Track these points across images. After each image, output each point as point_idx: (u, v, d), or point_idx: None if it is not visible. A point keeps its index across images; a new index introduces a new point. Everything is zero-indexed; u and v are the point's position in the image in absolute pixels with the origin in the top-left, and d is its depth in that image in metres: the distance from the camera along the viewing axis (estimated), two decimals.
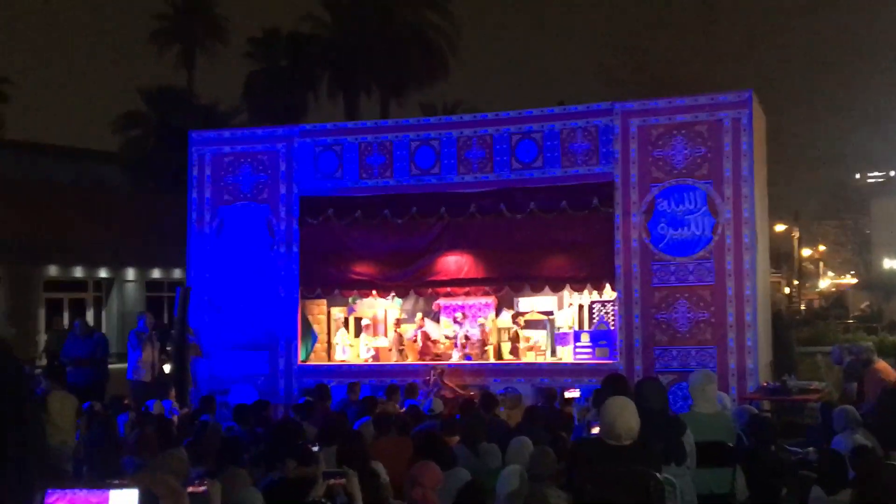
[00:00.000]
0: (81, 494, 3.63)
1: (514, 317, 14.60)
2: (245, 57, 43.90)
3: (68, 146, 39.55)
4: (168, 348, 13.81)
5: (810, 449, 8.27)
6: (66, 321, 29.98)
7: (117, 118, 40.93)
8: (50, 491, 3.63)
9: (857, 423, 8.09)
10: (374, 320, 15.26)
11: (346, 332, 14.97)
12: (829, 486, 6.39)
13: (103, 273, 32.24)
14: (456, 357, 14.16)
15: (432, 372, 13.33)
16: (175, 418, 10.86)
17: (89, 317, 30.45)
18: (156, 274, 33.90)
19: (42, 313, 29.97)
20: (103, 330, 28.60)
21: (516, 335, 14.38)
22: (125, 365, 14.48)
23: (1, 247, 26.72)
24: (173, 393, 12.10)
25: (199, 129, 16.64)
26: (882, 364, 11.45)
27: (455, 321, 14.62)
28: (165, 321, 29.92)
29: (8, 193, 28.37)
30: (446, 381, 13.15)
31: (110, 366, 14.92)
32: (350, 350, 14.79)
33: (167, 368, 14.35)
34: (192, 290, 14.39)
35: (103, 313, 32.44)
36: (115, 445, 8.41)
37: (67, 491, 3.62)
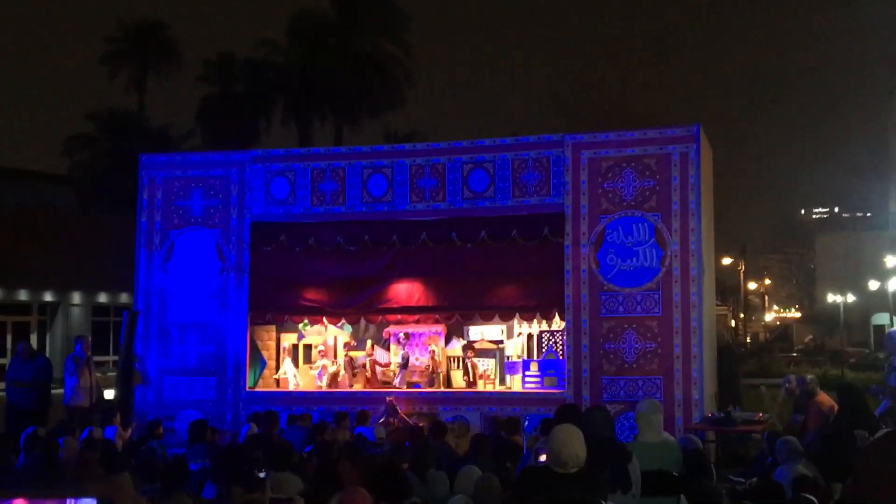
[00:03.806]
0: None
1: (465, 348, 14.58)
2: (199, 81, 43.71)
3: (15, 167, 39.02)
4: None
5: (753, 479, 8.37)
6: (8, 345, 29.53)
7: (66, 140, 40.48)
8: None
9: (799, 454, 8.21)
10: (325, 346, 15.18)
11: (290, 362, 14.83)
12: None
13: (48, 297, 31.74)
14: (399, 383, 14.13)
15: (387, 399, 13.31)
16: (120, 442, 10.71)
17: (33, 341, 29.94)
18: (102, 298, 33.43)
19: None
20: (47, 354, 28.16)
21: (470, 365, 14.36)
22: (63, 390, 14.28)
23: None
24: (118, 418, 11.92)
25: (151, 152, 16.48)
26: (824, 396, 11.64)
27: (398, 342, 14.61)
28: (111, 346, 29.56)
29: None
30: (397, 409, 13.10)
31: (52, 391, 14.69)
32: (297, 379, 14.64)
33: (109, 393, 14.10)
34: (140, 314, 14.26)
35: (48, 337, 31.92)
36: (57, 470, 8.27)
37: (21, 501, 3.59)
